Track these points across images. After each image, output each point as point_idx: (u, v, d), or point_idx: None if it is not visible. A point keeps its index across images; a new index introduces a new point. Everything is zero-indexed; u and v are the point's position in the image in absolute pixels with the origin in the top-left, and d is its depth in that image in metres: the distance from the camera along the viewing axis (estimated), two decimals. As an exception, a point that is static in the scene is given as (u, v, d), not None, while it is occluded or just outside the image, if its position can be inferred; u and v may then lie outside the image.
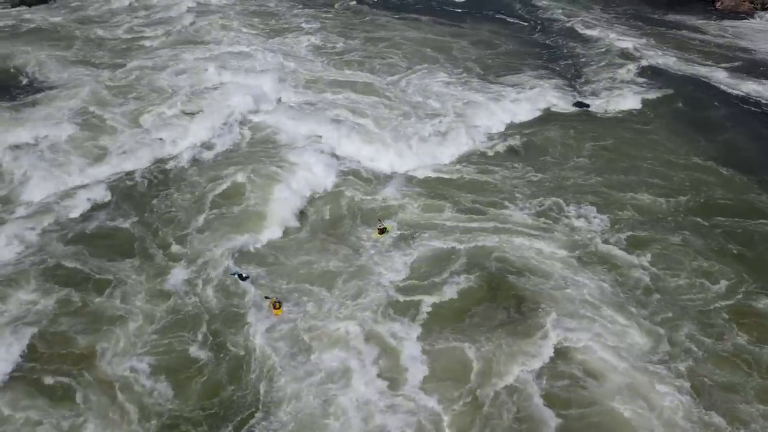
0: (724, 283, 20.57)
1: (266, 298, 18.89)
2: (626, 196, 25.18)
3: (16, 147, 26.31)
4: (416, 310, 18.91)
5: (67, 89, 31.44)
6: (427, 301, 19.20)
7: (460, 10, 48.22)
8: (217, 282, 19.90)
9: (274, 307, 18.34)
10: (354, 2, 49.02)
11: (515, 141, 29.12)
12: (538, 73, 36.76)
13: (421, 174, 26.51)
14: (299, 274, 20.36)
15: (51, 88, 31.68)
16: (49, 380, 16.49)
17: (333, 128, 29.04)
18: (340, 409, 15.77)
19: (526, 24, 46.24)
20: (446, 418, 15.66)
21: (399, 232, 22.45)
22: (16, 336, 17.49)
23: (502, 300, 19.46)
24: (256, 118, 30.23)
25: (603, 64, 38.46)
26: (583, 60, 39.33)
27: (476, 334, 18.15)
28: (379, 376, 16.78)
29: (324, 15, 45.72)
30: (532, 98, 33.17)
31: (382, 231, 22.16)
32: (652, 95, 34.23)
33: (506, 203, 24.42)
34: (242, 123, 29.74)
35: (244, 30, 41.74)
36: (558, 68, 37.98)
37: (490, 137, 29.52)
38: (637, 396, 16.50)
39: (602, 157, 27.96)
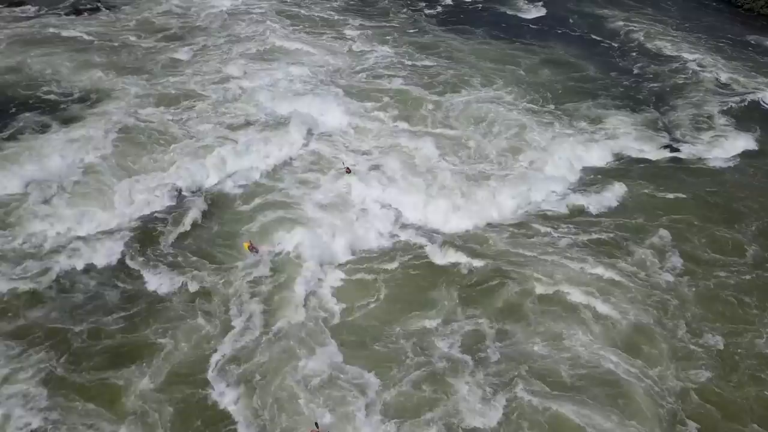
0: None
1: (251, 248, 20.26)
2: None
3: (51, 174, 23.16)
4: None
5: (104, 103, 28.59)
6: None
7: (529, 26, 43.41)
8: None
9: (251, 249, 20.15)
10: (412, 12, 44.84)
11: (587, 198, 24.27)
12: (618, 105, 31.88)
13: (465, 232, 22.47)
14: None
15: (88, 99, 28.83)
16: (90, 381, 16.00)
17: (368, 166, 25.20)
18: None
19: (603, 44, 41.08)
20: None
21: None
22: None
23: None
24: (296, 148, 26.46)
25: (695, 97, 33.13)
26: (671, 91, 34.06)
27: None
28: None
29: (377, 24, 41.73)
30: (610, 138, 28.41)
31: (349, 171, 24.52)
32: (758, 139, 28.95)
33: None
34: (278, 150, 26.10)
35: (293, 38, 38.07)
36: (640, 99, 32.92)
37: (557, 190, 24.83)
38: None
39: (695, 224, 23.06)
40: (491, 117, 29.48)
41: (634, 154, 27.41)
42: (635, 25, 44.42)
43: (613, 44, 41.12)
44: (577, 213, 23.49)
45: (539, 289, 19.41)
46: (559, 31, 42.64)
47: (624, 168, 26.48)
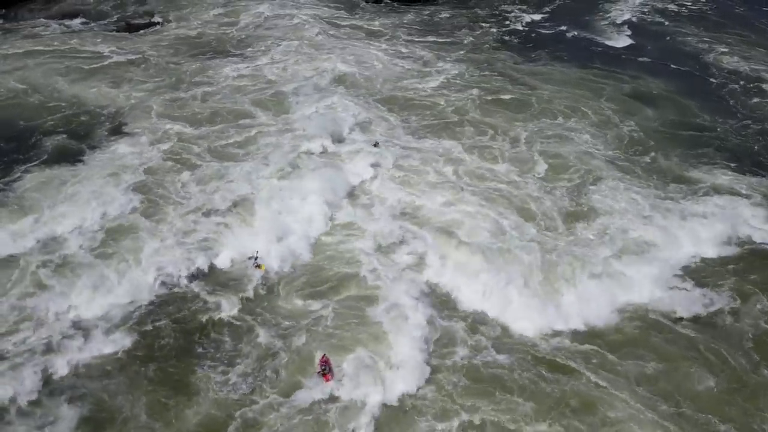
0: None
1: (253, 258, 18.99)
2: None
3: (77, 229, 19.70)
4: None
5: (135, 125, 25.56)
6: None
7: (615, 54, 37.21)
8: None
9: (257, 266, 18.73)
10: (483, 33, 39.31)
11: (688, 300, 18.21)
12: (730, 158, 25.80)
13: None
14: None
15: (118, 120, 26.13)
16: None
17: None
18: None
19: (703, 78, 34.53)
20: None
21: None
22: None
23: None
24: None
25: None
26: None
27: None
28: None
29: (443, 41, 37.12)
30: (723, 208, 22.14)
31: (376, 145, 24.65)
32: None
33: None
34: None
35: (344, 50, 34.43)
36: (758, 152, 26.63)
37: (665, 284, 18.71)
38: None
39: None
40: (565, 162, 24.48)
41: (758, 237, 20.81)
42: (737, 54, 37.60)
43: (715, 78, 34.50)
44: (675, 321, 17.49)
45: None
46: (649, 60, 36.25)
47: (742, 257, 19.99)
